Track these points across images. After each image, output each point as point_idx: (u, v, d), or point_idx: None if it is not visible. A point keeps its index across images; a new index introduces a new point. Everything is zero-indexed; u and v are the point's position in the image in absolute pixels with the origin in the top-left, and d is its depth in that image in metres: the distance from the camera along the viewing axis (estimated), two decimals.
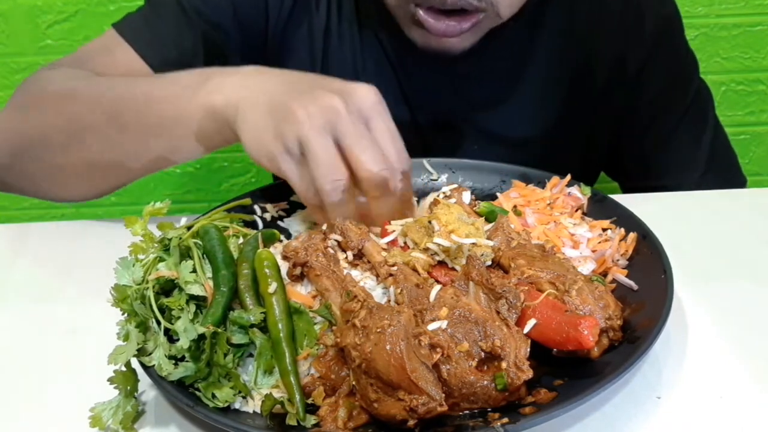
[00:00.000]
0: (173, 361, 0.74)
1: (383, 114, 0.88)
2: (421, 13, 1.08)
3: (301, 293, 0.83)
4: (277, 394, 0.74)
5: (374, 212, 0.89)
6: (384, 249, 0.86)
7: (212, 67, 1.01)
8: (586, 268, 0.88)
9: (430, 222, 0.85)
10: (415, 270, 0.83)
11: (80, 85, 1.09)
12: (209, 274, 0.80)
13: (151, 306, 0.77)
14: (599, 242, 0.92)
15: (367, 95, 0.87)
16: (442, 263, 0.85)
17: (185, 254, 0.82)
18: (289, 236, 0.99)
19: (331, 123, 0.84)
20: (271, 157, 0.87)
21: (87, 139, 1.04)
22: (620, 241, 0.92)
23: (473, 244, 0.84)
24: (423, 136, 1.28)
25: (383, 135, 0.87)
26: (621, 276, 0.87)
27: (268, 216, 1.04)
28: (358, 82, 0.89)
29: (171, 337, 0.76)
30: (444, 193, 0.97)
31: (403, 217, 0.91)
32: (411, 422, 0.68)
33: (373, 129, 0.86)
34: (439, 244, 0.83)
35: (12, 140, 1.10)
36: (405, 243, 0.87)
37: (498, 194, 1.03)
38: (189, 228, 0.85)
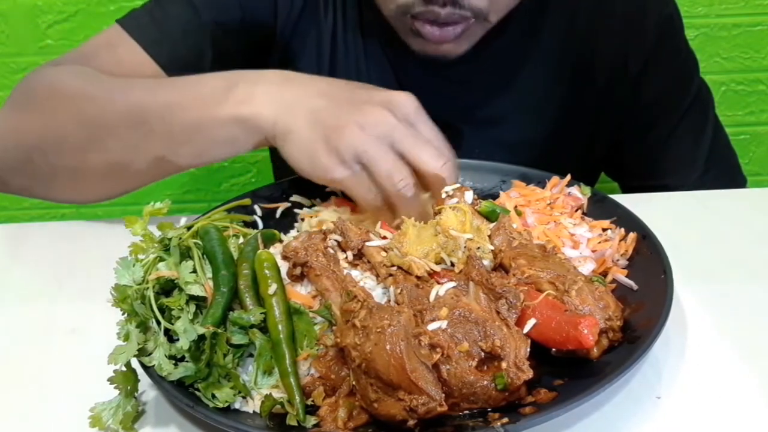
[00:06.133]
0: (173, 361, 0.74)
1: (425, 118, 0.94)
2: (417, 23, 1.10)
3: (301, 293, 0.83)
4: (277, 394, 0.74)
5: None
6: (383, 249, 0.86)
7: (235, 72, 1.00)
8: (586, 268, 0.87)
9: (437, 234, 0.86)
10: (410, 273, 0.82)
11: (94, 86, 1.07)
12: (209, 275, 0.80)
13: (151, 306, 0.76)
14: (599, 242, 0.92)
15: (408, 103, 0.93)
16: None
17: (185, 254, 0.82)
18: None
19: (386, 134, 0.89)
20: (327, 170, 0.90)
21: (108, 143, 1.02)
22: (620, 241, 0.92)
23: (469, 239, 0.84)
24: None
25: (430, 136, 0.93)
26: (621, 276, 0.87)
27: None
28: (395, 91, 0.94)
29: (171, 337, 0.76)
30: (446, 192, 0.97)
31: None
32: (411, 422, 0.68)
33: (420, 132, 0.92)
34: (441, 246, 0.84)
35: (21, 140, 1.08)
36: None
37: (501, 192, 1.03)
38: (189, 228, 0.85)
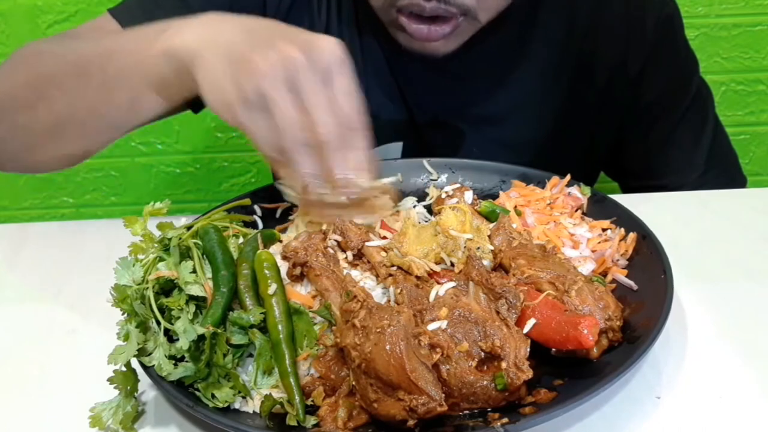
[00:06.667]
0: (173, 361, 0.74)
1: (344, 71, 0.85)
2: (402, 18, 1.10)
3: (300, 293, 0.83)
4: (276, 394, 0.74)
5: (334, 171, 0.84)
6: (383, 249, 0.86)
7: (175, 18, 0.98)
8: (586, 268, 0.88)
9: (436, 234, 0.85)
10: (410, 273, 0.83)
11: (50, 47, 1.10)
12: (209, 275, 0.80)
13: (151, 306, 0.77)
14: (599, 242, 0.92)
15: (330, 49, 0.84)
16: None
17: (185, 254, 0.82)
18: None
19: (291, 76, 0.82)
20: (229, 106, 0.84)
21: (52, 95, 1.03)
22: (620, 241, 0.92)
23: (469, 239, 0.84)
24: (422, 135, 1.28)
25: (341, 93, 0.84)
26: (621, 276, 0.87)
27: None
28: (323, 35, 0.86)
29: (171, 337, 0.76)
30: (446, 192, 0.97)
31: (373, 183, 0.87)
32: (411, 422, 0.68)
33: (333, 85, 0.84)
34: (440, 248, 0.84)
35: None
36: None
37: (501, 192, 1.03)
38: (189, 228, 0.85)
